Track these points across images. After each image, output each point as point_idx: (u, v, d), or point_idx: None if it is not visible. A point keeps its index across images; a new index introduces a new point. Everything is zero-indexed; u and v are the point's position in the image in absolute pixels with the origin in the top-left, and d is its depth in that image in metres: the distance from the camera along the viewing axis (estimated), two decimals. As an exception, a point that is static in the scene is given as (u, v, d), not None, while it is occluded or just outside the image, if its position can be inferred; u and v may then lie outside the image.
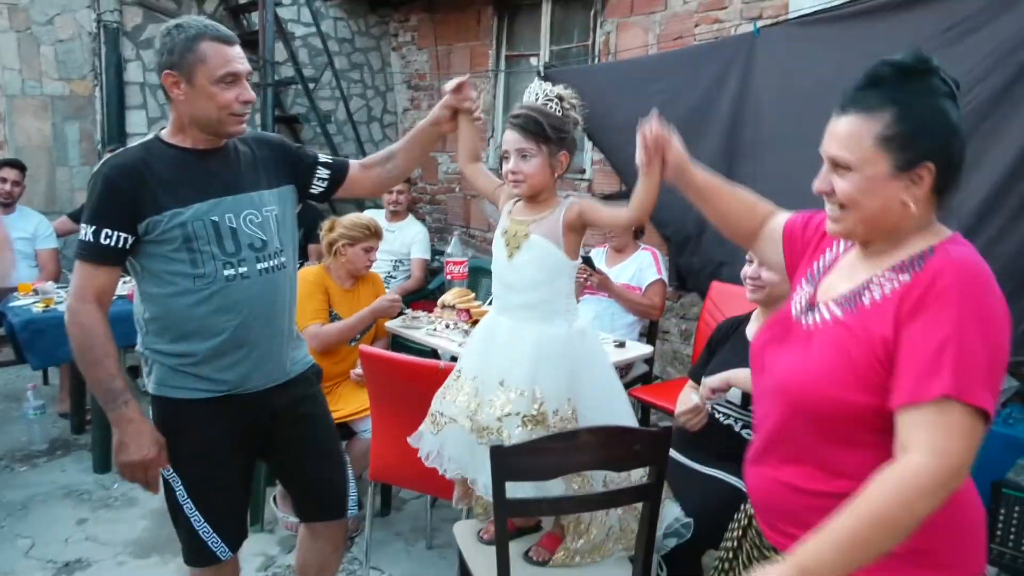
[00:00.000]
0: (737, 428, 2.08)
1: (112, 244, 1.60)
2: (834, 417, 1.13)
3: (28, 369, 3.81)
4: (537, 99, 1.77)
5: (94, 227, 1.60)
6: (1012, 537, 2.20)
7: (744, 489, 1.43)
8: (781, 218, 1.44)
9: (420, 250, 4.38)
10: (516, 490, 1.62)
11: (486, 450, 1.71)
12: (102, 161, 1.68)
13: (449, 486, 2.11)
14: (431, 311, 3.26)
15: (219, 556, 1.80)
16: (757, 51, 3.44)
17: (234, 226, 1.70)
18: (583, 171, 4.81)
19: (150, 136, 1.73)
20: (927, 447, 1.00)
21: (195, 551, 1.80)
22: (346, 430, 2.77)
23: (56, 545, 2.75)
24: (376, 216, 3.80)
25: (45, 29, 4.81)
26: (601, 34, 4.68)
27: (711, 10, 4.05)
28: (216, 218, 1.68)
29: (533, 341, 1.71)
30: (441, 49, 5.90)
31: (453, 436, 1.79)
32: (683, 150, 1.45)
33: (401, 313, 3.24)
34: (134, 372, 4.31)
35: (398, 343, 3.19)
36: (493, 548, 1.89)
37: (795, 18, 3.47)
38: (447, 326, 3.02)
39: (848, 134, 1.14)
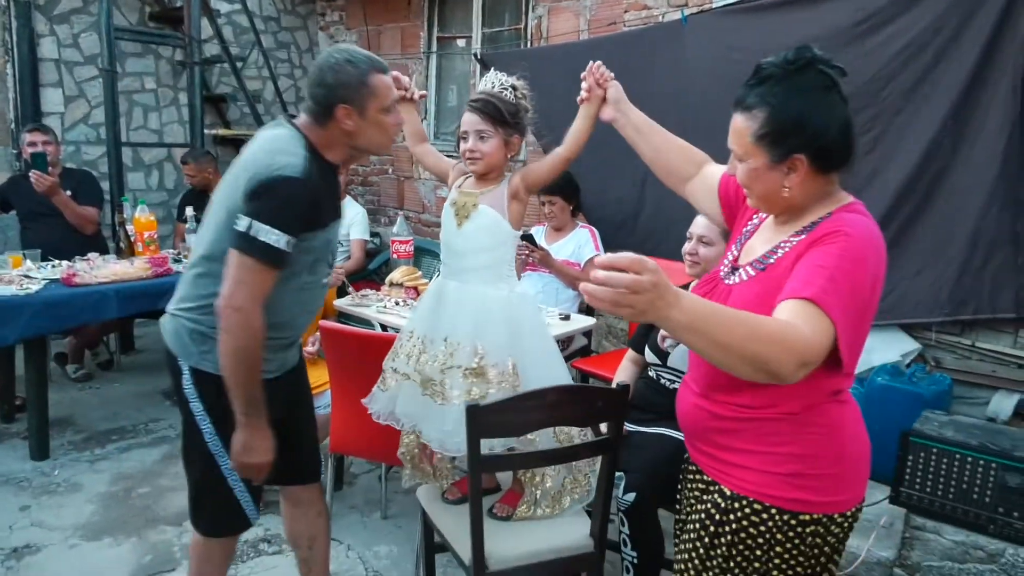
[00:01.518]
0: (681, 389, 2.25)
1: (291, 251, 1.62)
2: None
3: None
4: (493, 87, 1.90)
5: (287, 236, 1.59)
6: (919, 480, 2.47)
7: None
8: (716, 169, 1.63)
9: (359, 231, 4.40)
10: (487, 447, 1.74)
11: (435, 405, 1.85)
12: (287, 166, 1.60)
13: (383, 451, 2.25)
14: (375, 290, 3.32)
15: (251, 521, 1.87)
16: (685, 39, 3.63)
17: (336, 239, 1.89)
18: (518, 154, 4.92)
19: (299, 141, 1.69)
20: (804, 340, 1.14)
21: (228, 519, 1.85)
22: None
23: (1, 531, 2.69)
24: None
25: (-51, 0, 4.55)
26: (533, 18, 4.79)
27: (639, -3, 4.21)
28: (331, 236, 1.82)
29: (477, 301, 1.87)
30: (371, 30, 5.88)
31: (404, 392, 1.91)
32: (621, 89, 1.65)
33: (346, 292, 3.29)
34: (61, 359, 4.21)
35: (345, 322, 3.24)
36: (459, 508, 2.02)
37: (719, 7, 3.67)
38: (396, 303, 3.09)
39: (736, 131, 1.34)
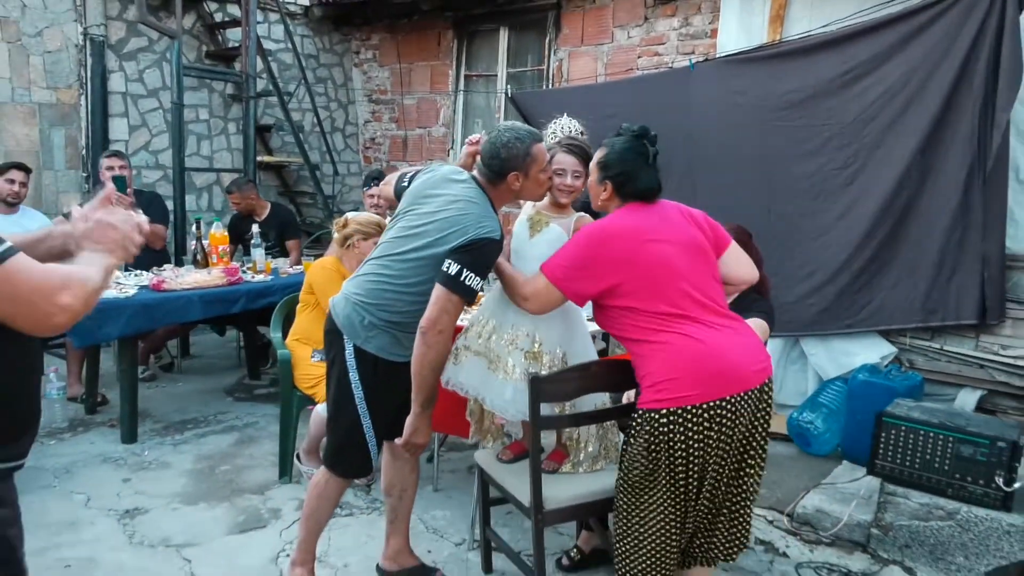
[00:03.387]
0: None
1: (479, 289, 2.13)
2: None
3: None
4: (571, 131, 2.39)
5: (482, 280, 2.10)
6: (891, 453, 2.95)
7: None
8: None
9: None
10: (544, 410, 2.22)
11: (497, 379, 2.29)
12: (492, 230, 2.12)
13: (450, 423, 2.72)
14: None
15: (374, 466, 2.40)
16: (692, 83, 4.17)
17: None
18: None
19: (488, 202, 2.21)
20: (530, 279, 2.13)
21: (360, 465, 2.37)
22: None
23: (110, 498, 3.15)
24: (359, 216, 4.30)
25: (34, 40, 5.09)
26: (555, 60, 5.34)
27: (651, 44, 4.77)
28: None
29: None
30: (403, 67, 6.44)
31: (471, 366, 2.35)
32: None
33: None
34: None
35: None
36: (515, 465, 2.50)
37: (722, 56, 4.22)
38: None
39: (595, 155, 2.19)
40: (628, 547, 2.09)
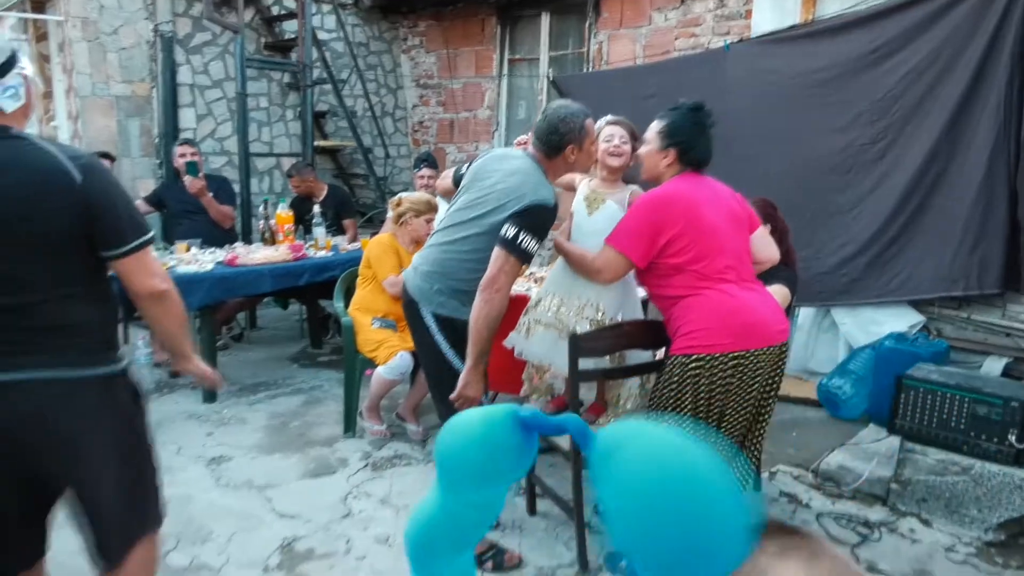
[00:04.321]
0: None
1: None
2: None
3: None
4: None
5: (536, 243, 2.32)
6: (910, 412, 3.14)
7: None
8: None
9: None
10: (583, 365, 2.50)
11: (559, 345, 2.57)
12: (547, 197, 2.33)
13: (503, 383, 3.02)
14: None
15: None
16: (728, 63, 4.35)
17: None
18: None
19: (543, 173, 2.42)
20: (600, 254, 2.36)
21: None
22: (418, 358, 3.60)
23: (197, 448, 3.55)
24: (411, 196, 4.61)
25: (111, 38, 5.50)
26: (595, 43, 5.55)
27: (688, 26, 4.95)
28: None
29: None
30: (449, 52, 6.71)
31: (538, 337, 2.64)
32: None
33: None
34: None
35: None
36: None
37: (757, 37, 4.39)
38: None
39: (651, 127, 2.37)
40: None
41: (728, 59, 4.36)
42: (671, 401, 2.26)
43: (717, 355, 2.18)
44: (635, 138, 2.64)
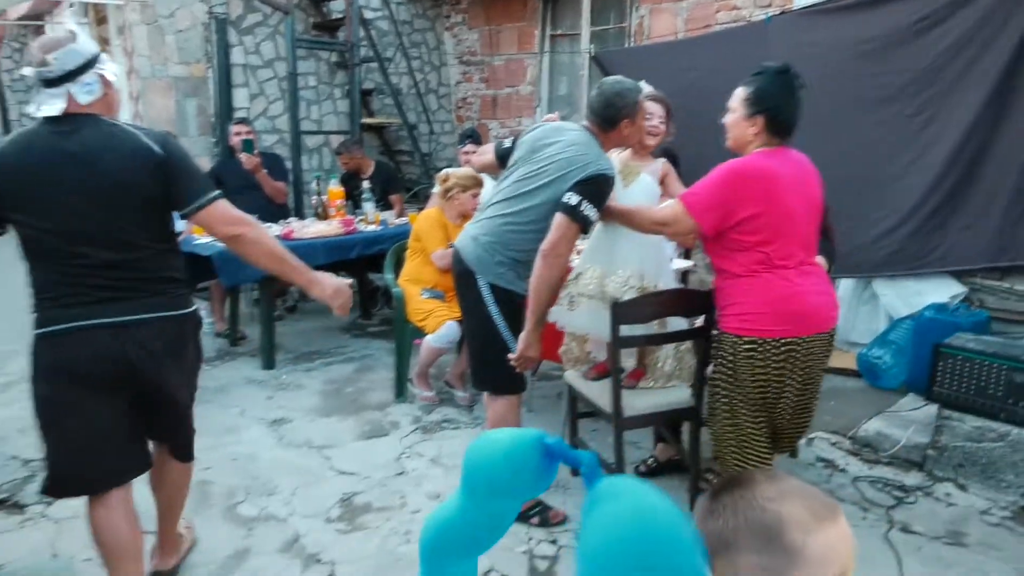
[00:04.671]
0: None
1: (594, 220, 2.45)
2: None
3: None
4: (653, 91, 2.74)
5: (596, 211, 2.39)
6: (947, 380, 3.20)
7: None
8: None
9: None
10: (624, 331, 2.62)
11: (604, 315, 2.68)
12: (606, 167, 2.44)
13: (550, 352, 3.16)
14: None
15: (525, 386, 2.75)
16: (769, 36, 4.36)
17: None
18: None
19: (600, 146, 2.51)
20: (664, 207, 2.35)
21: (514, 384, 2.68)
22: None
23: (259, 410, 3.78)
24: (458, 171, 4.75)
25: (168, 21, 5.72)
26: (636, 18, 5.58)
27: (729, -1, 4.95)
28: None
29: (640, 239, 2.68)
30: (491, 29, 6.79)
31: (582, 309, 2.76)
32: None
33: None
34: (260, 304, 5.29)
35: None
36: (599, 383, 2.91)
37: (798, 9, 4.39)
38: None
39: (735, 94, 2.29)
40: (726, 440, 2.41)
41: (769, 32, 4.37)
42: (728, 376, 2.33)
43: (769, 340, 2.20)
44: (669, 114, 2.73)
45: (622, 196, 2.74)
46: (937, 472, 3.15)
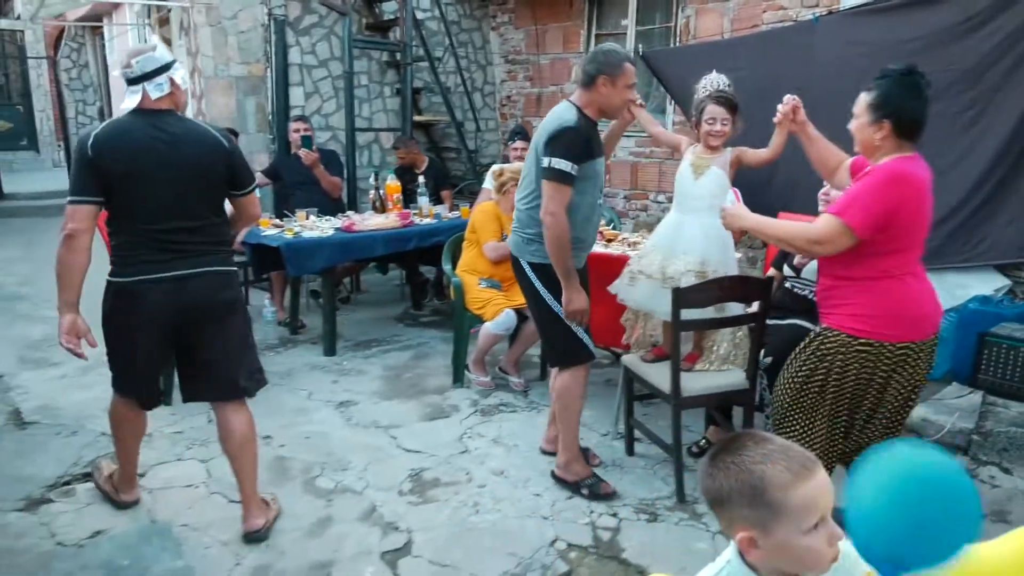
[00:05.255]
0: (811, 296, 3.18)
1: (574, 173, 2.63)
2: None
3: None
4: (720, 86, 2.88)
5: (571, 163, 2.60)
6: (992, 368, 3.30)
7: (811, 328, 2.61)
8: (850, 159, 2.54)
9: None
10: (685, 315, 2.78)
11: (662, 293, 2.84)
12: (567, 120, 2.65)
13: (609, 337, 3.31)
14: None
15: (593, 353, 2.92)
16: (816, 36, 4.46)
17: (602, 172, 2.87)
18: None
19: (575, 108, 2.70)
20: (815, 227, 2.21)
21: (577, 353, 2.85)
22: (521, 315, 3.93)
23: (325, 393, 4.00)
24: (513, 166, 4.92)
25: (231, 23, 5.98)
26: (682, 17, 5.70)
27: (776, -1, 5.06)
28: (599, 167, 2.82)
29: (706, 227, 2.85)
30: (537, 28, 6.96)
31: (642, 286, 2.93)
32: (804, 114, 2.61)
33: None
34: (315, 295, 5.55)
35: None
36: (656, 365, 3.07)
37: (846, 9, 4.48)
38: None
39: (859, 100, 2.27)
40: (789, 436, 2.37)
41: (816, 31, 4.47)
42: (822, 375, 2.31)
43: (886, 343, 2.20)
44: (734, 112, 2.87)
45: (693, 188, 2.90)
46: (982, 456, 3.26)
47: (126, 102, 2.43)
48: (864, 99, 2.23)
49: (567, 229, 2.66)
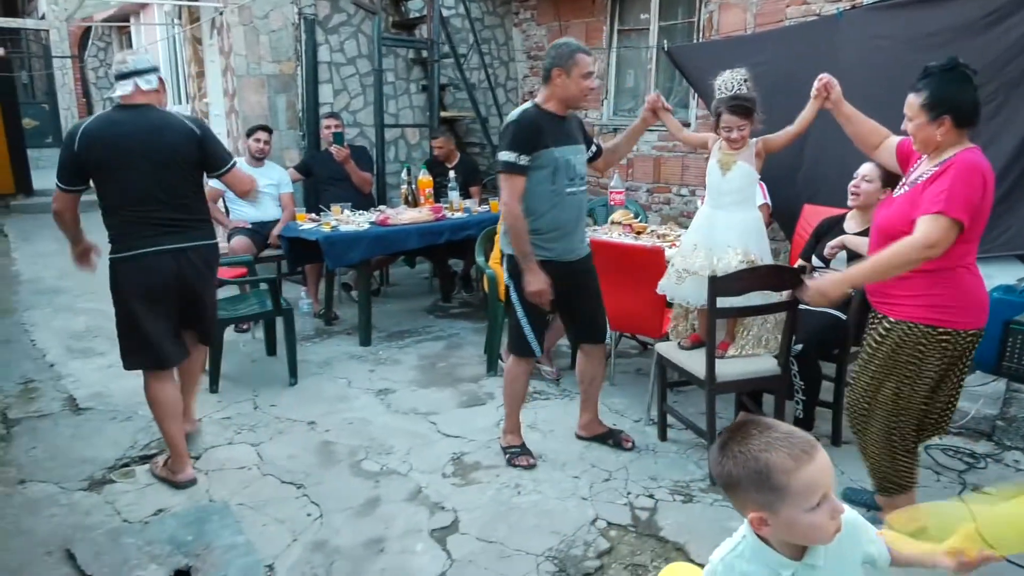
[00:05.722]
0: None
1: (523, 164, 2.86)
2: (893, 237, 2.28)
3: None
4: (733, 87, 2.97)
5: (516, 153, 2.83)
6: (1016, 356, 3.38)
7: (843, 317, 2.70)
8: (895, 138, 2.59)
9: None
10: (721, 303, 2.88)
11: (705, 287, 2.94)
12: (510, 115, 2.94)
13: (644, 327, 3.42)
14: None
15: (536, 352, 3.13)
16: (840, 31, 4.54)
17: (574, 162, 2.97)
18: (688, 124, 5.98)
19: (531, 103, 2.96)
20: (922, 232, 2.17)
21: (520, 346, 3.13)
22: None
23: (365, 382, 4.14)
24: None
25: (263, 22, 6.12)
26: (705, 13, 5.78)
27: (800, -6, 5.12)
28: (568, 157, 2.94)
29: (741, 220, 2.96)
30: (560, 24, 7.05)
31: (689, 283, 3.04)
32: (840, 91, 2.67)
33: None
34: (347, 287, 5.69)
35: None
36: (692, 352, 3.18)
37: (870, 3, 4.56)
38: (617, 235, 4.26)
39: (909, 103, 2.31)
40: (877, 431, 2.44)
41: (840, 26, 4.54)
42: (913, 366, 2.34)
43: (962, 331, 2.27)
44: (749, 115, 2.95)
45: (722, 184, 3.00)
46: (1006, 441, 3.35)
47: (117, 91, 2.86)
48: (915, 101, 2.26)
49: (519, 216, 2.88)
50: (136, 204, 2.82)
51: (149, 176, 2.81)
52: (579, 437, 3.44)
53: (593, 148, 3.20)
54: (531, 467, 3.15)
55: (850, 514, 1.29)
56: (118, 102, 2.87)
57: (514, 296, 3.06)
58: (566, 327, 3.39)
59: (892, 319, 2.37)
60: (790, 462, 1.17)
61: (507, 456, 3.22)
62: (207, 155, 2.95)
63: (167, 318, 2.97)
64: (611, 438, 3.35)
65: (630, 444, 3.32)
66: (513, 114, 2.92)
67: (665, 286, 3.14)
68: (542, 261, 2.96)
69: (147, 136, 2.80)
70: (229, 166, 3.03)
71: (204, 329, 3.21)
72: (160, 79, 2.93)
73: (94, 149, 2.78)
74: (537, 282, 2.93)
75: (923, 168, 2.37)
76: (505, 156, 2.85)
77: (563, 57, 2.85)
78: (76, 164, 2.81)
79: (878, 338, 2.42)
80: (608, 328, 3.32)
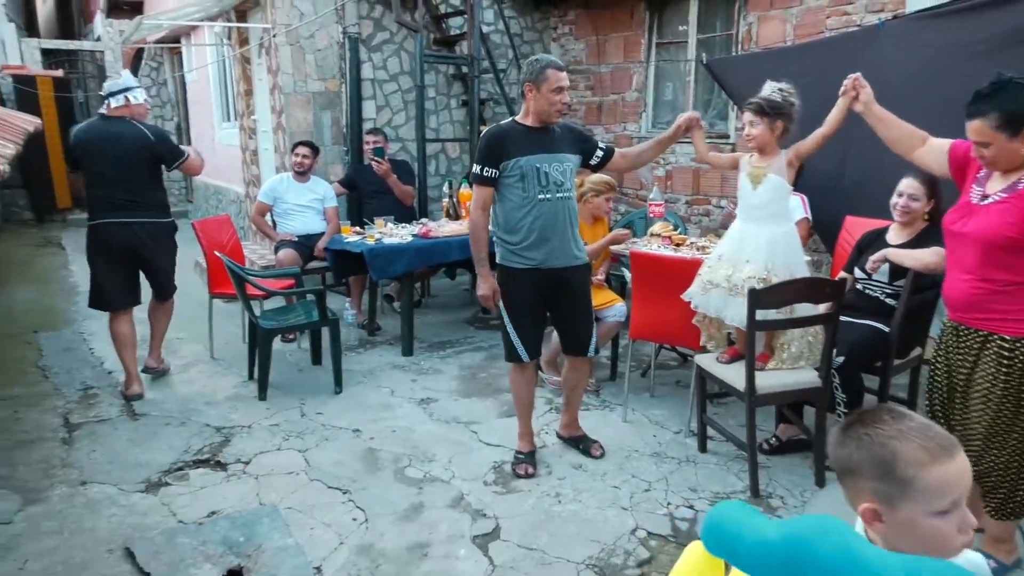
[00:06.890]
0: (883, 298, 3.26)
1: (488, 175, 3.00)
2: (1002, 247, 2.24)
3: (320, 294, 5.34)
4: (768, 93, 3.01)
5: (482, 165, 3.00)
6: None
7: (885, 329, 2.70)
8: (940, 141, 2.53)
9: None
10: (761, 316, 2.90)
11: (732, 300, 2.98)
12: (484, 132, 3.13)
13: (684, 339, 3.44)
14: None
15: (523, 358, 3.19)
16: (882, 40, 4.52)
17: (547, 171, 3.01)
18: (727, 136, 5.98)
19: (511, 119, 3.14)
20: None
21: (511, 353, 3.21)
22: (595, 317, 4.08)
23: (407, 391, 4.23)
24: (592, 176, 5.08)
25: (309, 41, 6.31)
26: (744, 25, 5.78)
27: (840, 4, 5.11)
28: (538, 165, 2.99)
29: (769, 235, 2.98)
30: (598, 38, 7.11)
31: (713, 295, 3.07)
32: (871, 93, 2.65)
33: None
34: (389, 299, 5.80)
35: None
36: (731, 365, 3.19)
37: (912, 13, 4.53)
38: (656, 247, 4.29)
39: (978, 130, 2.22)
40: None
41: (882, 36, 4.52)
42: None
43: None
44: (764, 114, 2.96)
45: (753, 198, 3.02)
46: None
47: (110, 103, 3.99)
48: (985, 125, 2.19)
49: (477, 223, 3.11)
50: (100, 187, 3.97)
51: (110, 167, 3.92)
52: (559, 436, 3.59)
53: (599, 153, 3.27)
54: (529, 476, 3.22)
55: (977, 557, 1.17)
56: (103, 113, 4.01)
57: (501, 306, 3.19)
58: (560, 334, 3.44)
59: (1009, 336, 2.26)
60: (924, 455, 1.05)
61: (512, 461, 3.33)
62: (160, 154, 4.06)
63: (118, 273, 4.07)
64: (583, 444, 3.46)
65: (599, 453, 3.41)
66: (485, 131, 3.12)
67: (692, 294, 3.18)
68: (526, 269, 3.07)
69: (110, 138, 3.93)
70: (181, 160, 4.13)
71: (158, 287, 4.27)
72: (127, 98, 3.99)
73: (79, 145, 4.00)
74: (483, 287, 3.17)
75: (1004, 177, 2.28)
76: (474, 168, 3.07)
77: (534, 73, 2.96)
78: (70, 154, 4.15)
79: (999, 361, 2.29)
80: (595, 344, 3.34)
